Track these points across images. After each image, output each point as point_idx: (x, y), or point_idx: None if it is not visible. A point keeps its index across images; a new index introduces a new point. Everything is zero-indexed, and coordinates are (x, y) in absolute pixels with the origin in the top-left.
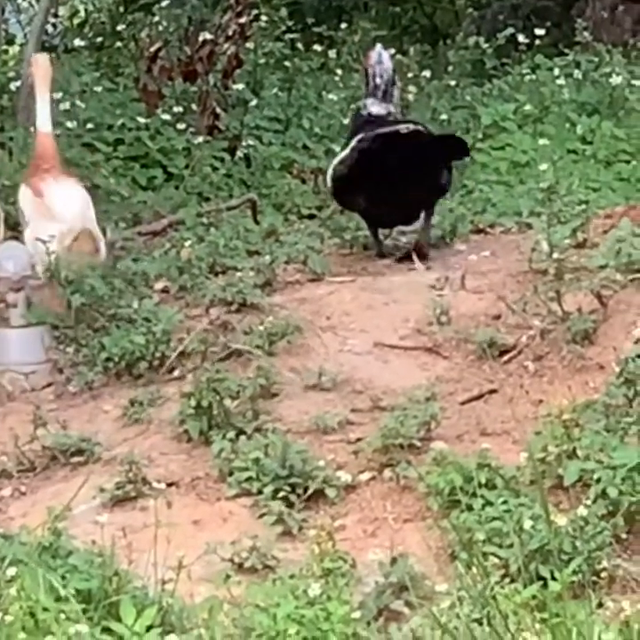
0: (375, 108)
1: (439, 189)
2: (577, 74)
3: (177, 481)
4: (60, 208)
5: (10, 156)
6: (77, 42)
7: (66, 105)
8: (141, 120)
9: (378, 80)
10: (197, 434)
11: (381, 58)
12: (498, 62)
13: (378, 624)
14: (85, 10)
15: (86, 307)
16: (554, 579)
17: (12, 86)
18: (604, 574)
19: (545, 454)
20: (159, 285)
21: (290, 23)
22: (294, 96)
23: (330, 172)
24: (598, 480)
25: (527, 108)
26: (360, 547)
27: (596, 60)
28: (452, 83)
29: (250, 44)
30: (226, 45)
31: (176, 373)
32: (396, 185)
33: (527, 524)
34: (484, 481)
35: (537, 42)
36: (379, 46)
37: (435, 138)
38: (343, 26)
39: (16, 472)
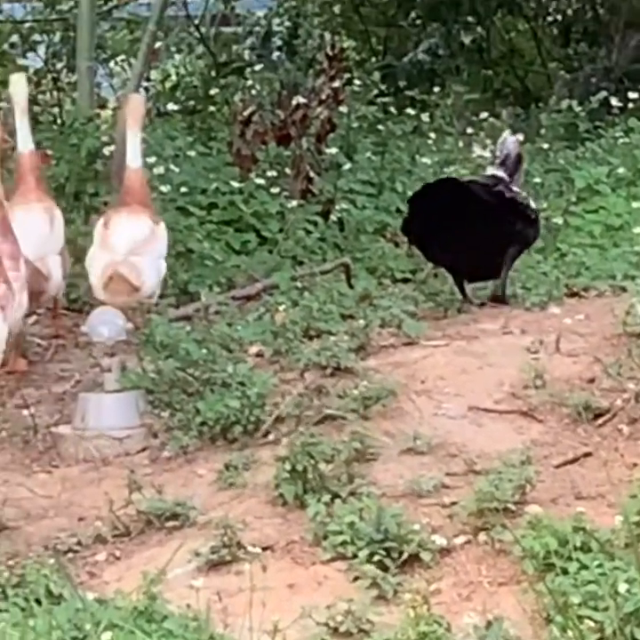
0: (491, 171)
1: (511, 239)
2: None
3: (272, 545)
4: (112, 241)
5: None
6: (170, 106)
7: (160, 169)
8: (235, 184)
9: (498, 153)
10: (292, 498)
11: (505, 141)
12: (591, 125)
13: None
14: (177, 73)
15: (181, 371)
16: None
17: (106, 151)
18: None
19: None
20: (254, 350)
21: (382, 87)
22: (387, 159)
23: None
24: None
25: (621, 171)
26: (455, 610)
27: None
28: (545, 146)
29: (343, 108)
30: (319, 109)
31: (271, 437)
32: (461, 233)
33: (622, 587)
34: (579, 544)
35: (630, 105)
36: (506, 132)
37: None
38: (436, 89)
39: (111, 537)
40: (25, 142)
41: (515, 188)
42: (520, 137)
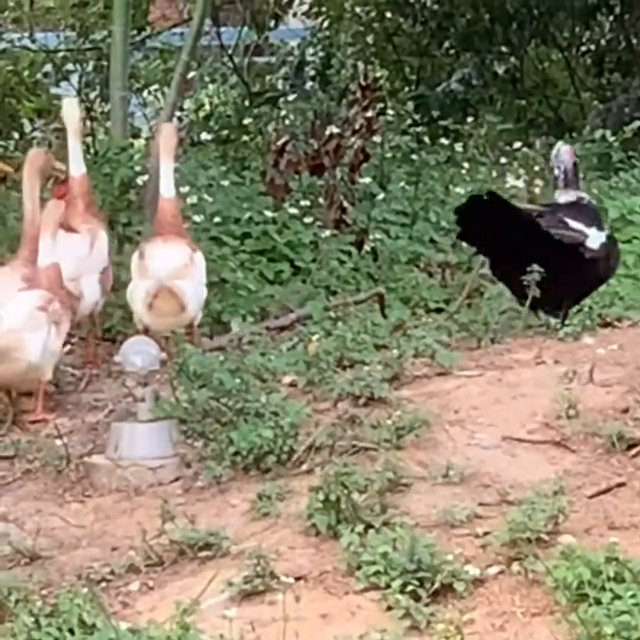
0: (563, 197)
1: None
2: None
3: (305, 575)
4: (151, 266)
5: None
6: (203, 135)
7: (193, 199)
8: (268, 214)
9: (556, 171)
10: (325, 528)
11: (559, 152)
12: (624, 155)
13: None
14: (211, 103)
15: (214, 401)
16: None
17: (139, 180)
18: None
19: None
20: (287, 379)
21: (416, 117)
22: (421, 189)
23: None
24: None
25: None
26: None
27: None
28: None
29: (376, 138)
30: (352, 139)
31: (304, 467)
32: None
33: None
34: (612, 574)
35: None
36: (559, 143)
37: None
38: (469, 119)
39: (144, 566)
40: (77, 166)
41: (581, 194)
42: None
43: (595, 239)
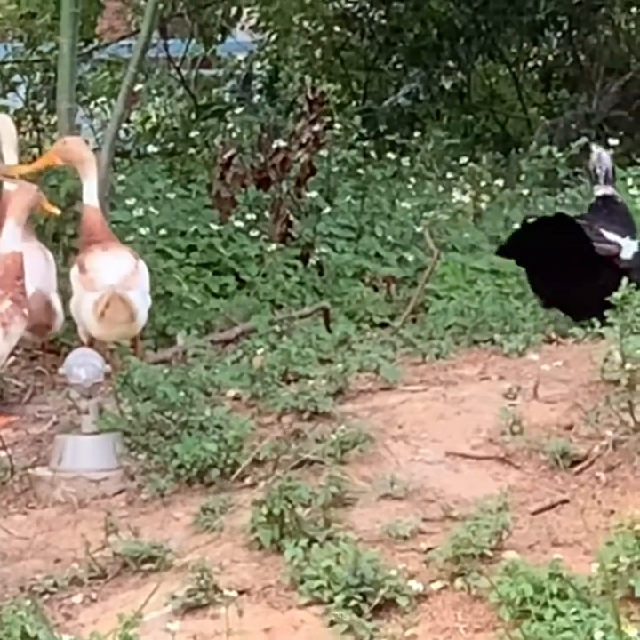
0: (601, 190)
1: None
2: None
3: (248, 589)
4: (98, 277)
5: None
6: (150, 148)
7: (139, 211)
8: (214, 227)
9: (599, 171)
10: (269, 542)
11: (600, 156)
12: (571, 171)
13: None
14: (157, 115)
15: (158, 414)
16: None
17: None
18: None
19: (617, 565)
20: (231, 393)
21: (363, 131)
22: (367, 204)
23: None
24: None
25: None
26: None
27: None
28: (525, 192)
29: (323, 152)
30: (299, 153)
31: (248, 481)
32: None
33: (598, 635)
34: (555, 591)
35: (610, 151)
36: (594, 146)
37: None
38: (416, 134)
39: (87, 579)
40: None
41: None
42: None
43: (628, 249)
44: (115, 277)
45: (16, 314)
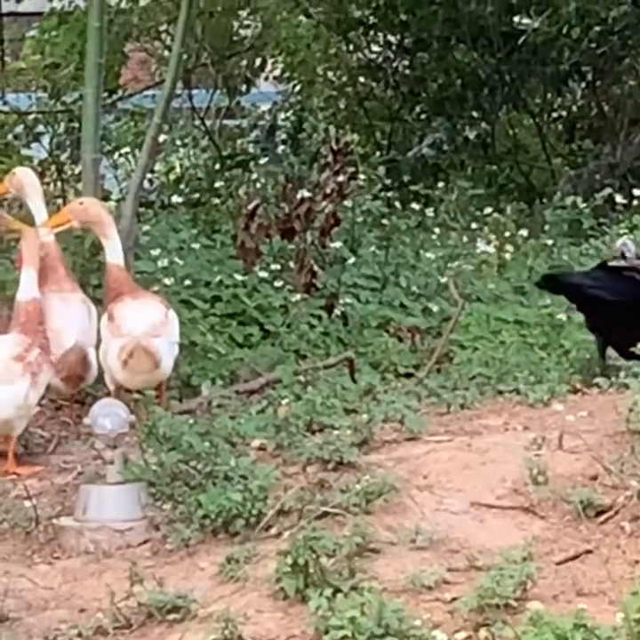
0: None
1: None
2: None
3: (273, 639)
4: (124, 325)
5: None
6: (174, 198)
7: (164, 262)
8: (239, 277)
9: (628, 254)
10: (294, 592)
11: (628, 246)
12: (595, 222)
13: None
14: (182, 166)
15: (183, 464)
16: None
17: None
18: None
19: None
20: (256, 443)
21: (387, 181)
22: (392, 254)
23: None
24: None
25: None
26: None
27: None
28: (549, 242)
29: (347, 202)
30: (324, 203)
31: (273, 531)
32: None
33: None
34: None
35: (634, 202)
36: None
37: None
38: (440, 184)
39: (112, 629)
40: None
41: None
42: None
43: None
44: (141, 326)
45: (44, 362)
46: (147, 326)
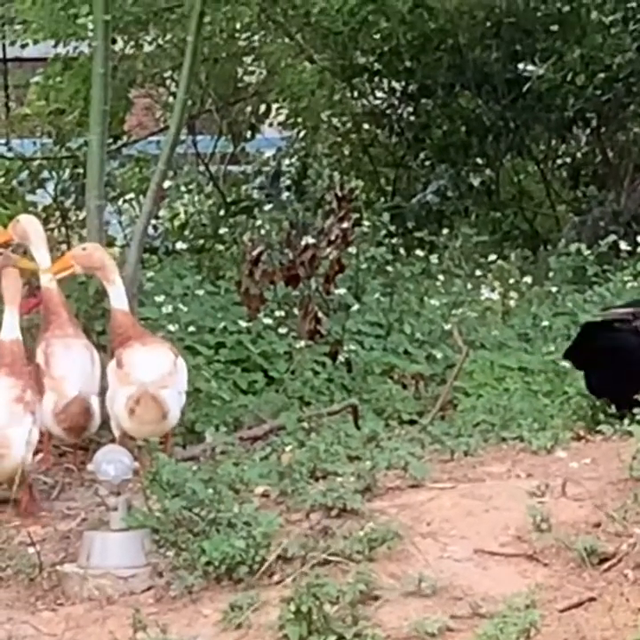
0: None
1: None
2: None
3: None
4: (133, 372)
5: None
6: (179, 244)
7: (168, 308)
8: (243, 324)
9: None
10: (297, 639)
11: None
12: (599, 269)
13: None
14: (186, 212)
15: (187, 510)
16: None
17: None
18: None
19: None
20: (260, 490)
21: (391, 228)
22: (396, 301)
23: None
24: None
25: None
26: None
27: None
28: (554, 289)
29: (352, 249)
30: (328, 250)
31: (276, 578)
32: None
33: None
34: None
35: (639, 249)
36: None
37: None
38: (444, 231)
39: None
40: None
41: None
42: None
43: None
44: (150, 374)
45: (37, 402)
46: (156, 375)
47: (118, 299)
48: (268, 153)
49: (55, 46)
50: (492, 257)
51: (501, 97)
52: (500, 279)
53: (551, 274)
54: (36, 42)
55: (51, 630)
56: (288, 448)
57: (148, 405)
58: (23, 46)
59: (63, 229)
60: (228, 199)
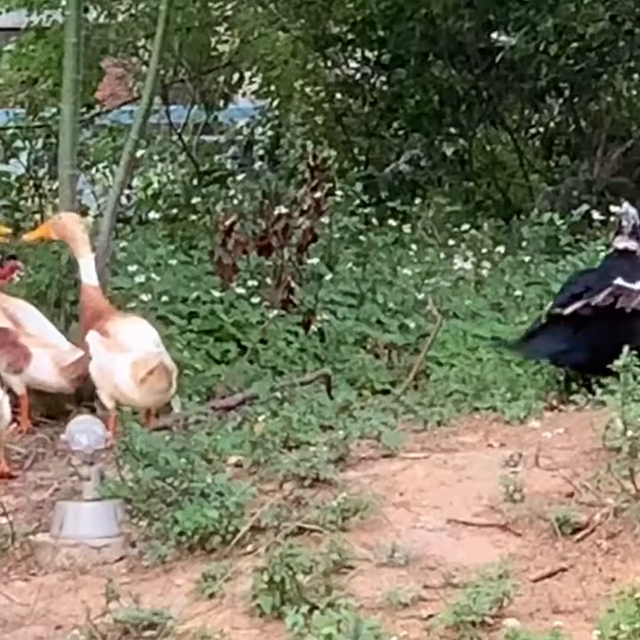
0: (623, 243)
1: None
2: None
3: None
4: (132, 341)
5: None
6: (151, 214)
7: (140, 278)
8: (216, 293)
9: (624, 222)
10: (270, 609)
11: (627, 210)
12: (572, 238)
13: None
14: (159, 181)
15: (160, 480)
16: None
17: None
18: None
19: (617, 632)
20: (232, 460)
21: (364, 197)
22: (369, 271)
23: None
24: None
25: None
26: None
27: None
28: (527, 258)
29: (325, 219)
30: (301, 219)
31: (249, 548)
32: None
33: None
34: None
35: (612, 218)
36: (625, 203)
37: None
38: (417, 201)
39: None
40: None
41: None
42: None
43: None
44: (148, 342)
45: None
46: (153, 343)
47: (88, 273)
48: (242, 122)
49: (28, 15)
50: (465, 226)
51: (474, 66)
52: (473, 249)
53: (524, 243)
54: (8, 10)
55: (23, 600)
56: (261, 418)
57: (160, 375)
58: None
59: (37, 199)
60: (201, 169)
